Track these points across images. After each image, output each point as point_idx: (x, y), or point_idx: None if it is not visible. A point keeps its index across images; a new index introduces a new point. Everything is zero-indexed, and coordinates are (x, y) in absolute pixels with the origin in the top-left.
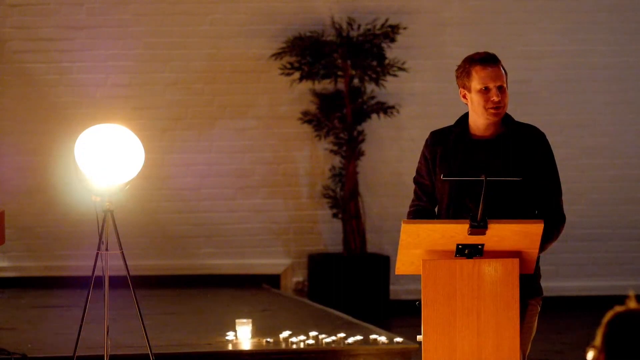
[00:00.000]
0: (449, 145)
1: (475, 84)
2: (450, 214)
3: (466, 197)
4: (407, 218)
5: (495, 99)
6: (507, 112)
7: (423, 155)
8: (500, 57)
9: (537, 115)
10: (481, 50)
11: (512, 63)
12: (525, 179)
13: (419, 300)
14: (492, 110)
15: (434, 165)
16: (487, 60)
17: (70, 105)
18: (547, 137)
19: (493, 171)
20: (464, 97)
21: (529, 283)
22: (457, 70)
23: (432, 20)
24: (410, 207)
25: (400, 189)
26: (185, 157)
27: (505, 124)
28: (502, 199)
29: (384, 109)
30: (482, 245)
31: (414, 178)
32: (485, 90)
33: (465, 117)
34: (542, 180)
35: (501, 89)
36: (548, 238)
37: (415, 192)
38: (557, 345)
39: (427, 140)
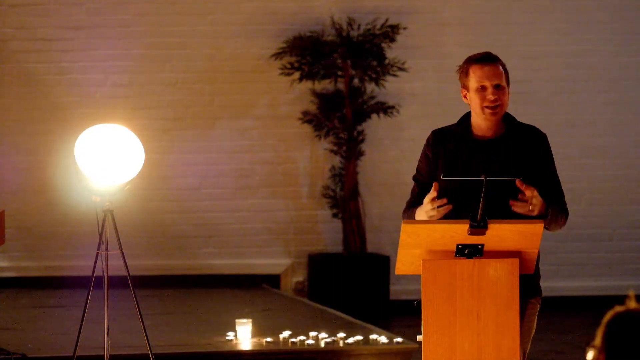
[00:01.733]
0: (451, 145)
1: (473, 82)
2: (450, 214)
3: (466, 197)
4: (404, 210)
5: (490, 97)
6: (508, 112)
7: (424, 154)
8: (500, 57)
9: (537, 115)
10: (481, 50)
11: (512, 63)
12: (525, 179)
13: (417, 300)
14: (488, 110)
15: (435, 165)
16: (485, 59)
17: (70, 105)
18: (548, 138)
19: (494, 171)
20: (465, 97)
21: (529, 283)
22: (457, 70)
23: (432, 20)
24: (407, 204)
25: (400, 189)
26: (185, 157)
27: (507, 124)
28: (502, 199)
29: (384, 109)
30: (482, 245)
31: (414, 176)
32: (482, 89)
33: (467, 116)
34: (543, 181)
35: (499, 88)
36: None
37: (413, 190)
38: (557, 345)
39: (428, 139)
